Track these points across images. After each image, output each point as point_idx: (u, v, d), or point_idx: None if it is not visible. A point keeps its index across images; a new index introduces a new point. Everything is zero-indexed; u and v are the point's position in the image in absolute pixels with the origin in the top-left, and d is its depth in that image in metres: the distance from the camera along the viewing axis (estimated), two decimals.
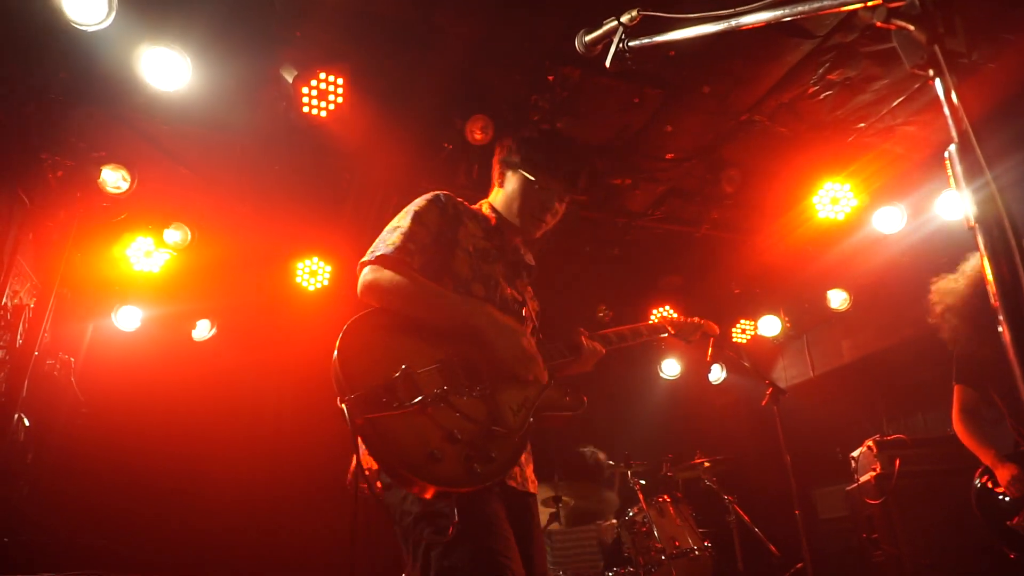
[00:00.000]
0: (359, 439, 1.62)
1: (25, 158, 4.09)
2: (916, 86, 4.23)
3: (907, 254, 5.37)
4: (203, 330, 5.47)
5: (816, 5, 1.09)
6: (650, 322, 2.57)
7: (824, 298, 6.09)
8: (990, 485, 3.47)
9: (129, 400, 5.02)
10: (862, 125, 4.61)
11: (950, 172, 0.90)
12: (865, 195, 5.06)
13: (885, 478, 4.40)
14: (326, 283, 5.41)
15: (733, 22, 1.24)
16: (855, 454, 4.80)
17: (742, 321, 6.80)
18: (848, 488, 4.83)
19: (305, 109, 3.88)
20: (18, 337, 4.13)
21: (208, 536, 4.95)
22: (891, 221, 5.14)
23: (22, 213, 4.19)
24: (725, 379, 6.92)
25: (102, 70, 3.72)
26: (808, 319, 6.56)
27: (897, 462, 4.38)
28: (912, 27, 0.96)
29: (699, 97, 4.26)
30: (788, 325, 6.59)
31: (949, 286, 3.60)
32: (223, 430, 5.24)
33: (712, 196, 5.15)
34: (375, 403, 1.61)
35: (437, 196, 2.09)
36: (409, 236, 1.95)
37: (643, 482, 4.79)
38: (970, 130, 0.89)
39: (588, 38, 1.59)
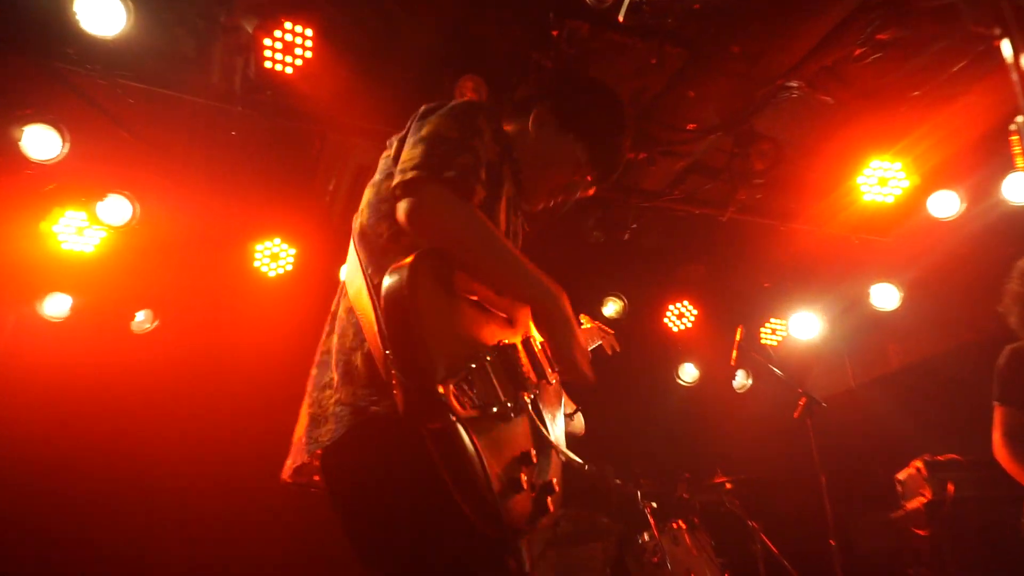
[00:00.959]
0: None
1: None
2: (980, 48, 4.22)
3: (966, 244, 5.36)
4: (144, 321, 5.47)
5: None
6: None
7: (868, 295, 6.08)
8: None
9: (56, 400, 5.02)
10: (916, 94, 4.60)
11: (1017, 148, 0.91)
12: (918, 175, 5.06)
13: (936, 505, 4.40)
14: (289, 268, 5.40)
15: None
16: (901, 477, 4.81)
17: (772, 320, 6.81)
18: (892, 516, 4.84)
19: (268, 64, 3.86)
20: None
21: (150, 547, 5.04)
22: (948, 206, 5.14)
23: None
24: (751, 387, 6.93)
25: (26, 12, 3.68)
26: (849, 319, 6.54)
27: (950, 487, 4.38)
28: None
29: (727, 58, 4.23)
30: (825, 326, 6.59)
31: None
32: (166, 433, 5.25)
33: (740, 174, 5.08)
34: (447, 405, 1.39)
35: (490, 113, 1.88)
36: (477, 161, 1.71)
37: (655, 505, 4.79)
38: None
39: None
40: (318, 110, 4.36)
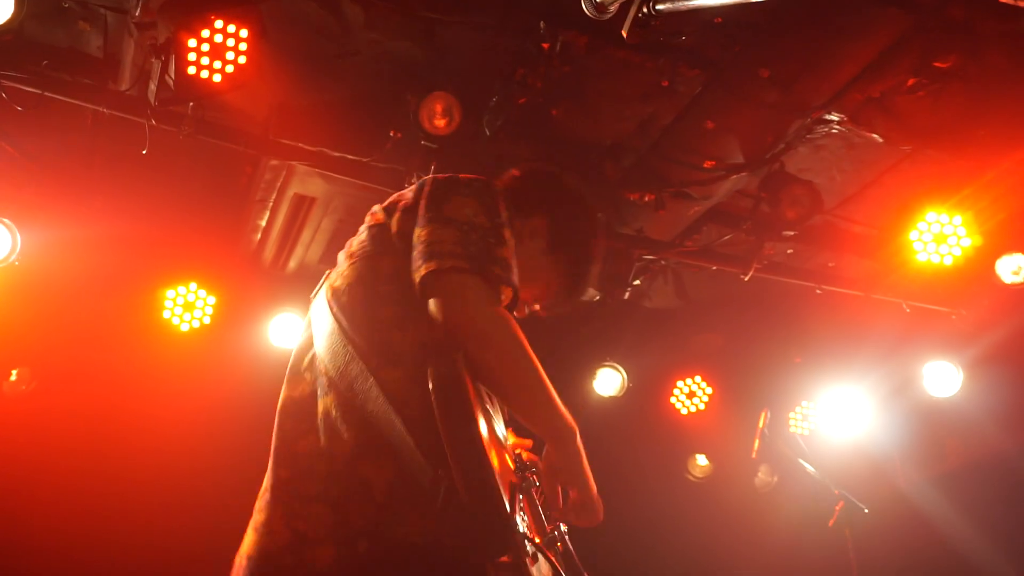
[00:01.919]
0: None
1: None
2: None
3: None
4: (19, 382, 5.47)
5: None
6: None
7: (921, 376, 6.10)
8: None
9: None
10: (981, 134, 4.65)
11: None
12: (982, 233, 5.09)
13: None
14: (207, 321, 5.43)
15: None
16: None
17: (803, 404, 6.80)
18: None
19: (191, 70, 3.82)
20: None
21: None
22: (1019, 270, 5.19)
23: None
24: (776, 485, 6.94)
25: None
26: (898, 406, 6.56)
27: None
28: None
29: (754, 83, 4.22)
30: (869, 413, 6.58)
31: None
32: (34, 527, 5.20)
33: (767, 224, 5.12)
34: (525, 535, 1.55)
35: (503, 199, 2.05)
36: (512, 254, 1.90)
37: None
38: None
39: None
40: (251, 127, 4.44)
